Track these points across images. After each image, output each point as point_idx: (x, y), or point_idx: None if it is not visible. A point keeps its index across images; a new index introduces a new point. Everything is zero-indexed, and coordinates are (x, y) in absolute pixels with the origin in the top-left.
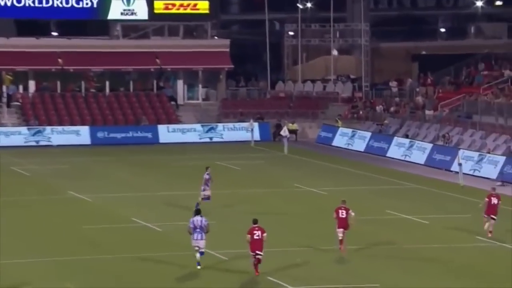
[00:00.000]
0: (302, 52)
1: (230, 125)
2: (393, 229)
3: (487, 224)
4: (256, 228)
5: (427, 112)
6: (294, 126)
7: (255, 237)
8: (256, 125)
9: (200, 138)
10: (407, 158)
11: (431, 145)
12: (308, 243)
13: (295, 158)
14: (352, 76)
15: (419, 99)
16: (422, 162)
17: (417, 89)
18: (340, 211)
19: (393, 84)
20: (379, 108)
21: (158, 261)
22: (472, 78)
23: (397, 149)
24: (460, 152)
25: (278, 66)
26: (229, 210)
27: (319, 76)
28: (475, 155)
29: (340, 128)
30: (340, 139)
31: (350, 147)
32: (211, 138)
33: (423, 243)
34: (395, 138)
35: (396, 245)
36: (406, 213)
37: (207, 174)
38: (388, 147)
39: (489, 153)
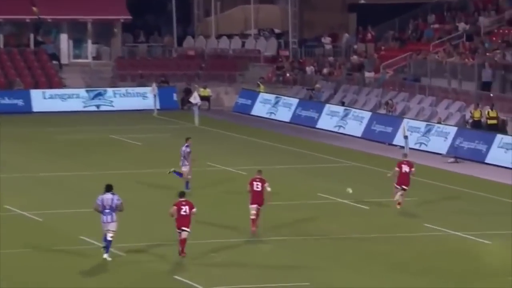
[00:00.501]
0: (215, 1)
1: (123, 90)
2: (326, 216)
3: (397, 195)
4: (183, 203)
5: (366, 74)
6: (207, 92)
7: (182, 212)
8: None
9: (85, 106)
10: (341, 130)
11: (369, 114)
12: (224, 234)
13: (207, 130)
14: (276, 31)
15: (357, 58)
16: (359, 135)
17: (355, 47)
18: (255, 183)
19: (326, 40)
20: (309, 69)
21: (44, 256)
22: (421, 33)
23: (329, 118)
24: (405, 122)
25: (187, 17)
26: (127, 195)
27: (237, 30)
28: (422, 125)
29: (261, 94)
30: (261, 107)
31: (273, 116)
32: (98, 106)
33: (362, 232)
34: (327, 105)
35: (331, 236)
36: (342, 196)
37: (186, 146)
38: (319, 117)
39: (439, 123)
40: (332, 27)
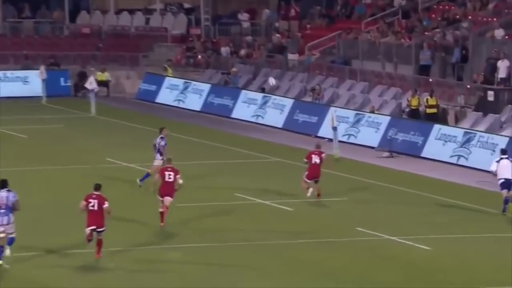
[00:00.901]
0: None
1: (1, 74)
2: (244, 219)
3: (309, 191)
4: (94, 196)
5: (289, 56)
6: (105, 76)
7: (90, 207)
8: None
9: None
10: (260, 120)
11: (292, 101)
12: (128, 239)
13: (106, 120)
14: (186, 5)
15: (279, 38)
16: (280, 125)
17: (276, 24)
18: (166, 173)
19: (244, 17)
20: (224, 50)
21: None
22: (351, 9)
23: (246, 107)
24: (333, 110)
25: None
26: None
27: (140, 4)
28: (351, 114)
29: (168, 79)
30: (168, 94)
31: (181, 104)
32: None
33: (286, 237)
34: (243, 92)
35: (249, 241)
36: (262, 197)
37: (161, 138)
38: (234, 105)
39: (373, 112)
40: (250, 2)
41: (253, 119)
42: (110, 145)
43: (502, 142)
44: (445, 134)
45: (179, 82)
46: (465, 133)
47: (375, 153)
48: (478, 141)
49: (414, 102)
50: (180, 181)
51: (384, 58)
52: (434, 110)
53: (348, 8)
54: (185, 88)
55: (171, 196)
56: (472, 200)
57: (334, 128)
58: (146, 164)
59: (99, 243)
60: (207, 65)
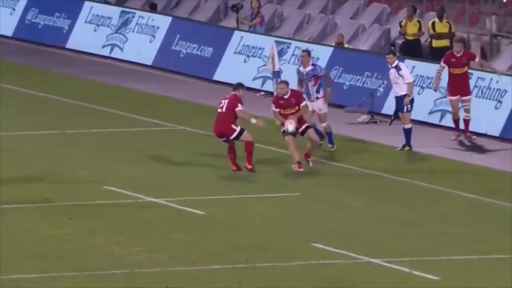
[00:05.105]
0: None
1: None
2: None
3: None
4: None
5: None
6: None
7: None
8: None
9: None
10: (117, 53)
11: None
12: None
13: None
14: None
15: None
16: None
17: None
18: None
19: None
20: None
21: None
22: None
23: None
24: (273, 43)
25: None
26: None
27: None
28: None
29: None
30: None
31: None
32: None
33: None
34: (88, 4)
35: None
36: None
37: None
38: (71, 27)
39: (341, 45)
40: None
41: (105, 51)
42: None
43: None
44: None
45: None
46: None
47: (344, 115)
48: None
49: (412, 29)
50: None
51: None
52: (445, 42)
53: None
54: None
55: None
56: None
57: (276, 74)
58: None
59: None
60: None
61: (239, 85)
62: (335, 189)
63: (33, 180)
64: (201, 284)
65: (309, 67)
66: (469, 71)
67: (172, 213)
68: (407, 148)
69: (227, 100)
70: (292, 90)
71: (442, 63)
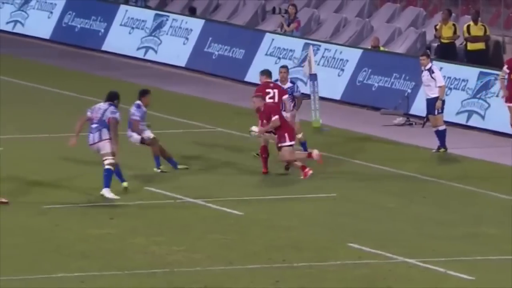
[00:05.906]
0: None
1: None
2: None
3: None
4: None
5: None
6: None
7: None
8: None
9: None
10: (151, 55)
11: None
12: None
13: None
14: None
15: None
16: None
17: None
18: None
19: None
20: None
21: None
22: None
23: (126, 33)
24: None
25: None
26: None
27: None
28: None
29: None
30: None
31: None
32: None
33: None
34: (123, 8)
35: None
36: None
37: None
38: (107, 29)
39: (377, 48)
40: None
41: (139, 54)
42: None
43: None
44: None
45: None
46: None
47: (380, 117)
48: None
49: (447, 32)
50: None
51: None
52: (480, 45)
53: None
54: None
55: None
56: None
57: (312, 77)
58: None
59: None
60: None
61: (266, 72)
62: (371, 190)
63: (75, 181)
64: (239, 283)
65: (288, 84)
66: None
67: (210, 214)
68: (442, 149)
69: (275, 90)
70: (274, 104)
71: (505, 68)
